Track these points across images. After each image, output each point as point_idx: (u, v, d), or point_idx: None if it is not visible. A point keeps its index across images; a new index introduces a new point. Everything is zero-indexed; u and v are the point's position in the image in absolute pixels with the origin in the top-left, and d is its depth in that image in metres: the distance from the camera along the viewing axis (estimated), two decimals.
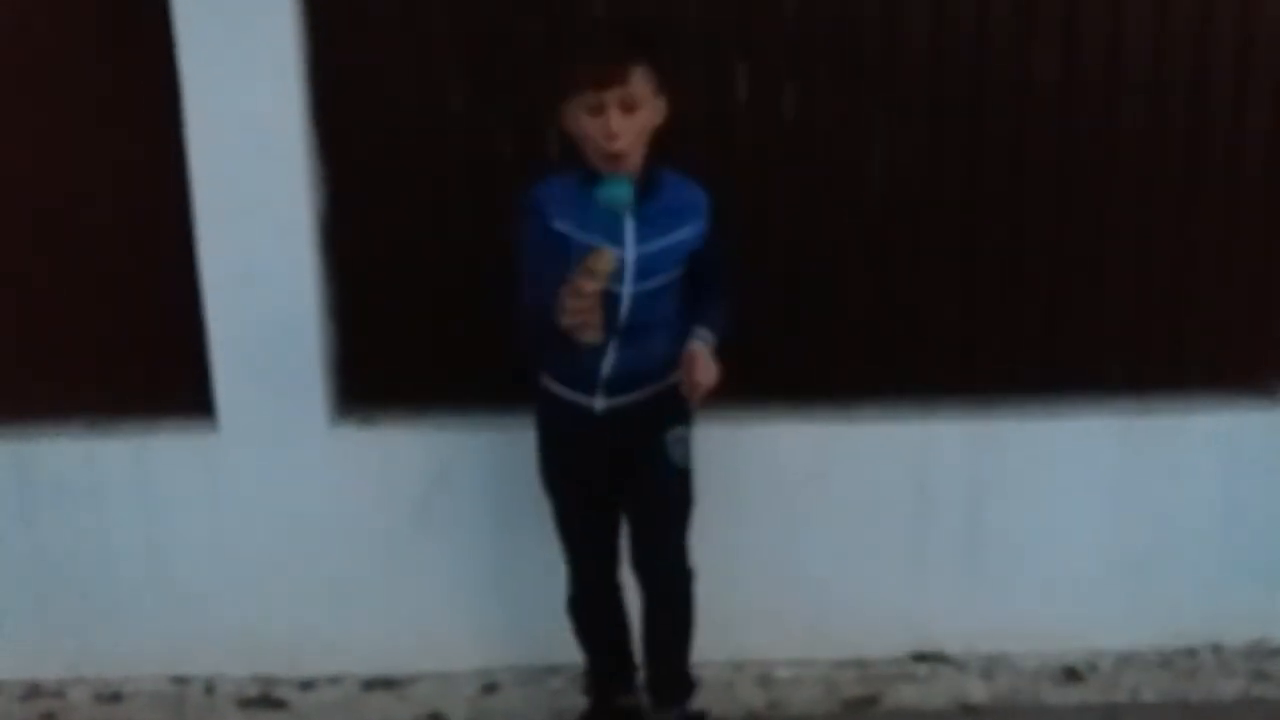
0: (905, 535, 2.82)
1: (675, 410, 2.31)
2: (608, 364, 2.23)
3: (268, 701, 2.81)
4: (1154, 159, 2.73)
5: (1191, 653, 2.91)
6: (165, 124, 2.57)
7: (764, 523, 2.72)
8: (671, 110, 2.18)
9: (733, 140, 2.69)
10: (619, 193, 2.07)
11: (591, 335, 2.01)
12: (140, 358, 2.78)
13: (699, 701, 2.52)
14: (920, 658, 2.89)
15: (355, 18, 2.61)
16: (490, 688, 2.83)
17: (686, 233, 2.23)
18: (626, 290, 2.18)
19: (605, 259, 1.96)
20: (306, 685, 2.84)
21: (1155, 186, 2.75)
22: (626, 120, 2.09)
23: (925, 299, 2.79)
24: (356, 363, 2.78)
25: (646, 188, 2.17)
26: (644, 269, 2.19)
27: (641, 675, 2.50)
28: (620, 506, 2.38)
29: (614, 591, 2.47)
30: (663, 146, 2.20)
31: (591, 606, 2.48)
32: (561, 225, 2.14)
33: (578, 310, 1.96)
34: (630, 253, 2.17)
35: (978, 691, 2.83)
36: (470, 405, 2.79)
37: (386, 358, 2.79)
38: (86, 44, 2.63)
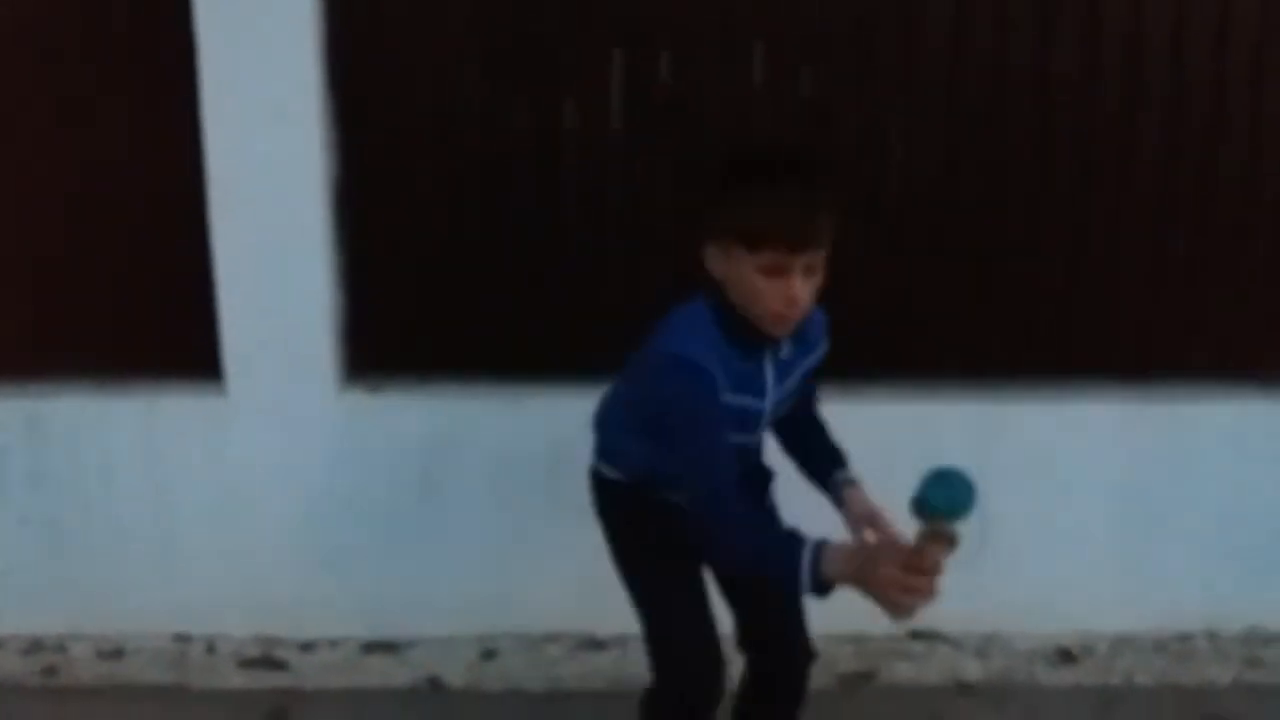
0: (908, 515, 2.82)
1: (763, 472, 2.08)
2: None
3: (268, 662, 2.84)
4: (1168, 148, 2.74)
5: (1186, 638, 2.93)
6: (181, 92, 2.59)
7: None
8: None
9: (748, 122, 2.69)
10: (958, 493, 1.59)
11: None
12: (151, 321, 2.80)
13: None
14: (917, 636, 2.91)
15: None
16: (489, 654, 2.85)
17: (812, 363, 1.98)
18: (759, 439, 1.96)
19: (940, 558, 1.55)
20: (307, 647, 2.86)
21: (1167, 175, 2.76)
22: (806, 285, 1.73)
23: (935, 283, 2.80)
24: (365, 330, 2.80)
25: (793, 338, 1.87)
26: (778, 410, 1.95)
27: None
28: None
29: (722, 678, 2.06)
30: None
31: (706, 697, 2.01)
32: (729, 399, 1.78)
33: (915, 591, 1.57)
34: (768, 402, 1.88)
35: (973, 670, 2.85)
36: (477, 374, 2.81)
37: (395, 325, 2.80)
38: (104, 16, 2.64)
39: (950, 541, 1.55)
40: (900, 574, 1.57)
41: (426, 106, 2.69)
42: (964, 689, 2.80)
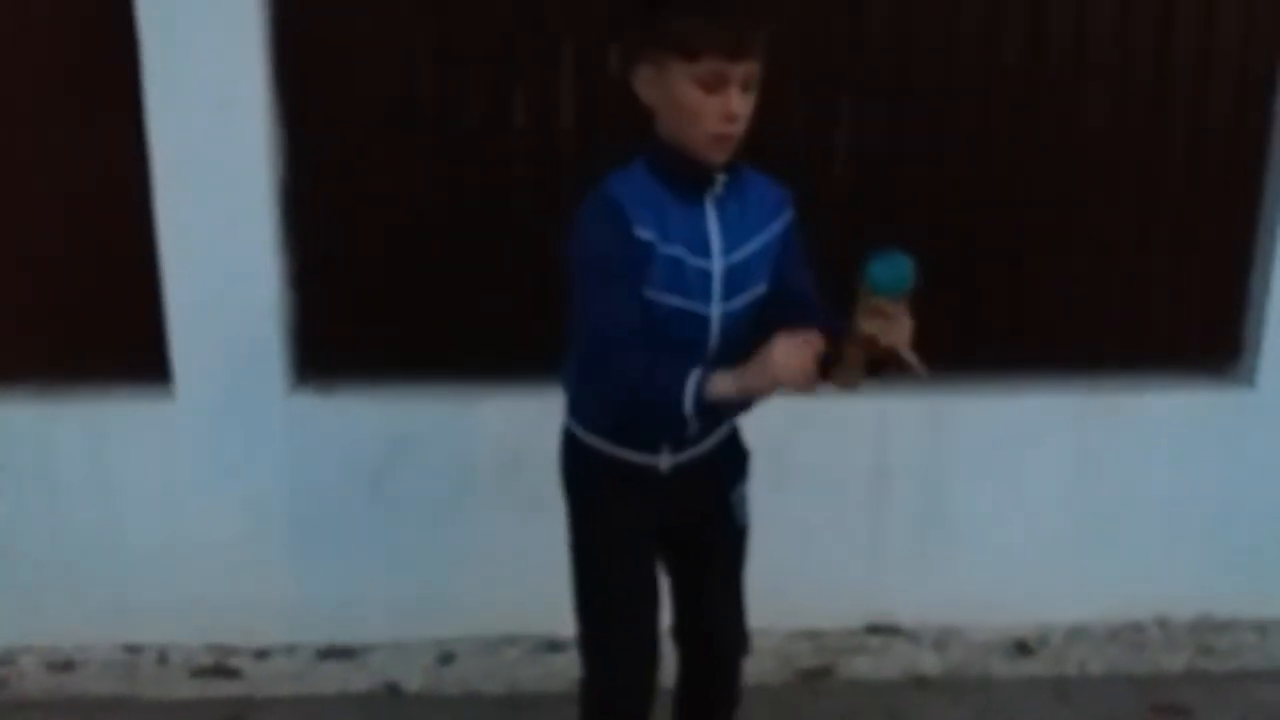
0: (862, 510, 2.85)
1: (738, 462, 2.04)
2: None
3: (221, 670, 2.80)
4: (1115, 141, 2.77)
5: (1139, 627, 2.97)
6: (125, 91, 2.54)
7: None
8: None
9: None
10: (897, 271, 1.62)
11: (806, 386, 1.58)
12: (96, 324, 2.75)
13: None
14: (874, 630, 2.93)
15: None
16: (446, 658, 2.83)
17: (774, 232, 1.83)
18: (715, 311, 1.78)
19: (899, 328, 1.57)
20: (261, 655, 2.82)
21: (1115, 169, 2.79)
22: (745, 101, 1.67)
23: None
24: (315, 331, 2.76)
25: (732, 179, 1.77)
26: (732, 282, 1.78)
27: None
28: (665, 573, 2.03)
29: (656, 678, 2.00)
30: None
31: (639, 698, 1.97)
32: (645, 234, 1.68)
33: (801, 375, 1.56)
34: (717, 263, 1.76)
35: (930, 663, 2.87)
36: (428, 374, 2.78)
37: (345, 326, 2.77)
38: (46, 12, 2.58)
39: (886, 315, 1.58)
40: (795, 345, 1.57)
41: (376, 102, 2.65)
42: (921, 683, 2.82)
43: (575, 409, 1.94)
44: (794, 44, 2.66)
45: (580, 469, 1.94)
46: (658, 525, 1.95)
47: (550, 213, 2.57)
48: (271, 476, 2.74)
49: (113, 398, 2.74)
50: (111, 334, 2.75)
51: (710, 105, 1.66)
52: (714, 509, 2.00)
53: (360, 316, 2.76)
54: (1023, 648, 2.91)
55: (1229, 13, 2.71)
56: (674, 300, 1.74)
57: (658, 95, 1.71)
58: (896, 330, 1.61)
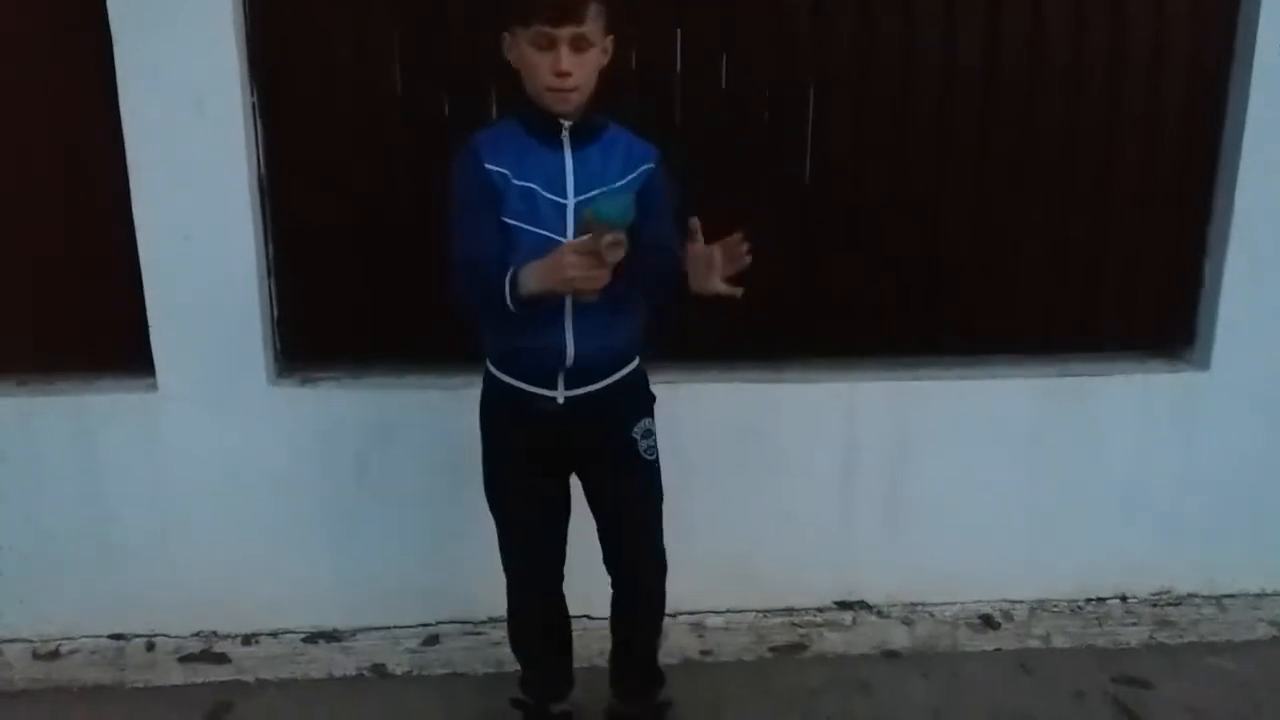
0: (831, 490, 2.92)
1: (639, 402, 2.25)
2: (569, 341, 2.08)
3: (209, 656, 2.84)
4: (1070, 124, 2.83)
5: (1100, 601, 3.06)
6: (101, 86, 2.55)
7: (697, 477, 2.78)
8: (617, 52, 2.12)
9: (670, 110, 2.74)
10: (617, 205, 1.92)
11: (589, 294, 1.92)
12: (76, 315, 2.76)
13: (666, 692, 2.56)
14: (844, 605, 3.00)
15: None
16: (431, 640, 2.88)
17: (631, 178, 2.10)
18: (569, 240, 2.01)
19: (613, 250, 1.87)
20: (248, 640, 2.86)
21: (1071, 152, 2.85)
22: (577, 58, 2.00)
23: (850, 265, 2.87)
24: (297, 321, 2.79)
25: (587, 131, 2.09)
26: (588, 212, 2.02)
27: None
28: (568, 510, 2.31)
29: (562, 601, 2.42)
30: (608, 89, 2.14)
31: (544, 621, 2.41)
32: (495, 165, 2.03)
33: (579, 265, 1.89)
34: (570, 200, 2.06)
35: (899, 638, 2.95)
36: (410, 364, 2.83)
37: (327, 317, 2.80)
38: (20, 9, 2.59)
39: (606, 233, 1.88)
40: (573, 255, 1.89)
41: (350, 96, 2.68)
42: (891, 656, 2.90)
43: (483, 346, 2.23)
44: (761, 50, 2.73)
45: (488, 399, 2.24)
46: (559, 455, 2.22)
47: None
48: (256, 465, 2.77)
49: (96, 389, 2.76)
50: (94, 326, 2.76)
51: (543, 62, 2.00)
52: (617, 444, 2.22)
53: (341, 306, 2.80)
54: (988, 621, 3.01)
55: (1180, 3, 2.78)
56: (531, 228, 2.05)
57: (515, 58, 2.06)
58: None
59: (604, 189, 2.06)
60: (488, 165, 2.03)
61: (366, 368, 2.83)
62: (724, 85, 2.75)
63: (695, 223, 1.98)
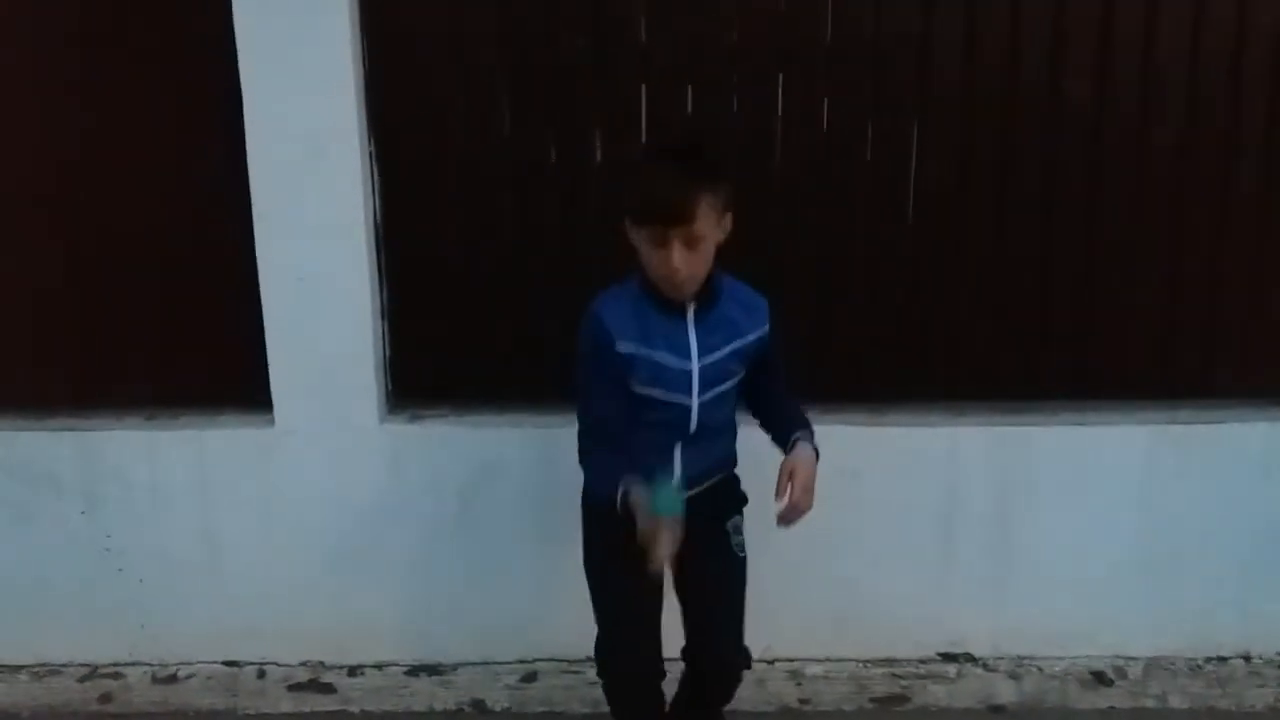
0: (934, 536, 2.87)
1: (733, 499, 2.32)
2: (676, 467, 2.19)
3: (316, 686, 2.92)
4: (1187, 167, 2.77)
5: (1221, 661, 2.93)
6: (228, 132, 2.68)
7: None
8: (736, 224, 2.12)
9: (771, 152, 2.76)
10: (670, 503, 1.98)
11: (656, 565, 1.98)
12: (201, 354, 2.89)
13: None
14: (948, 658, 2.94)
15: (409, 33, 2.72)
16: (529, 677, 2.91)
17: (749, 340, 2.18)
18: (694, 402, 2.15)
19: (664, 541, 1.93)
20: (354, 671, 2.94)
21: (1188, 195, 2.79)
22: (691, 254, 2.02)
23: (956, 305, 2.85)
24: (406, 361, 2.88)
25: (707, 299, 2.13)
26: (708, 379, 2.15)
27: None
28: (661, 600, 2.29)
29: (657, 687, 2.37)
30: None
31: (638, 700, 2.38)
32: (625, 348, 2.09)
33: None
34: (695, 364, 2.13)
35: (1005, 692, 2.87)
36: (514, 403, 2.89)
37: (435, 357, 2.89)
38: (153, 57, 2.74)
39: (663, 524, 1.94)
40: (666, 528, 1.95)
41: (461, 144, 2.78)
42: (996, 711, 2.82)
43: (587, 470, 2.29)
44: (863, 92, 2.74)
45: (591, 495, 2.29)
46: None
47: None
48: (364, 500, 2.85)
49: (218, 424, 2.88)
50: (215, 364, 2.89)
51: (659, 257, 2.03)
52: (711, 538, 2.26)
53: (450, 348, 2.88)
54: (1100, 678, 2.90)
55: None
56: (658, 393, 2.14)
57: (633, 242, 2.09)
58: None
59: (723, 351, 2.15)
60: (619, 349, 2.08)
61: (472, 407, 2.90)
62: (825, 127, 2.76)
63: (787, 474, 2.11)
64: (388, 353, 2.87)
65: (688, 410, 2.16)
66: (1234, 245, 2.81)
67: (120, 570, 2.93)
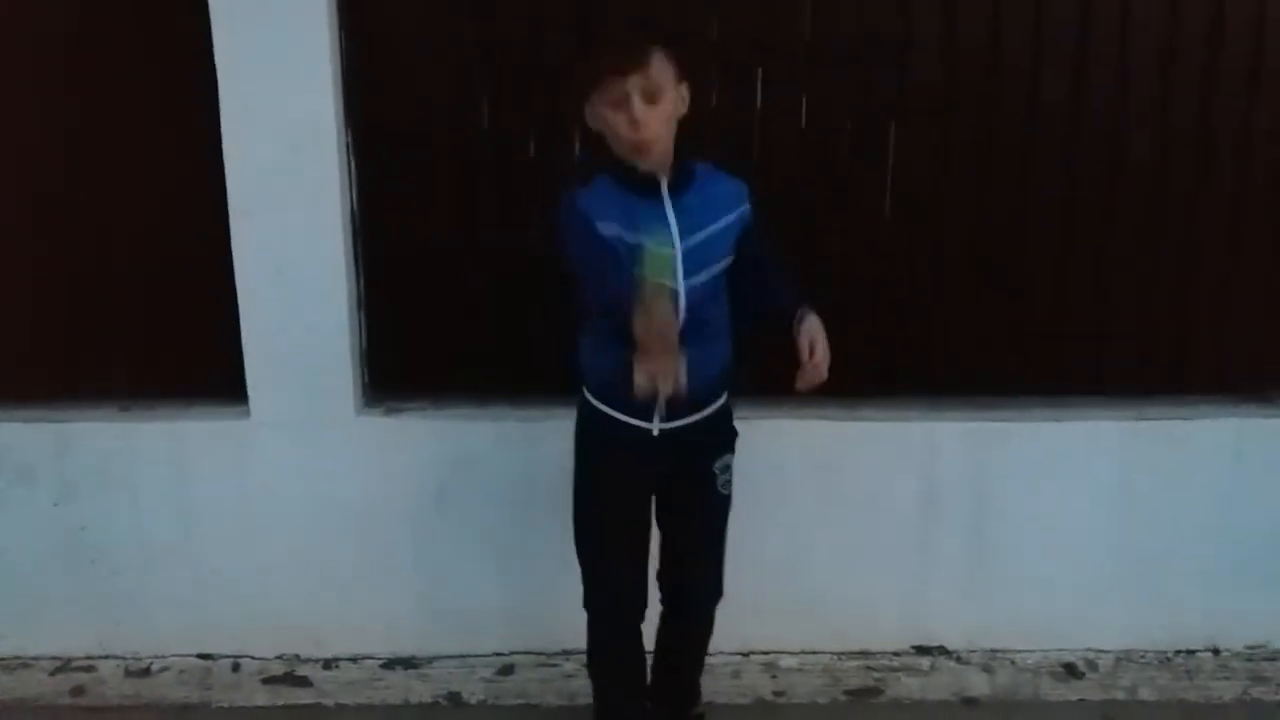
0: (909, 530, 2.89)
1: (724, 437, 2.33)
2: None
3: (291, 679, 2.91)
4: (1159, 163, 2.79)
5: (1190, 654, 2.97)
6: (203, 123, 2.66)
7: (772, 515, 2.79)
8: (695, 100, 2.15)
9: (750, 145, 2.77)
10: (661, 257, 1.95)
11: (666, 387, 1.94)
12: (175, 345, 2.88)
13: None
14: (922, 651, 2.96)
15: (388, 25, 2.71)
16: (506, 669, 2.91)
17: (730, 219, 2.18)
18: (680, 286, 2.11)
19: (662, 294, 1.90)
20: (329, 664, 2.93)
21: (1160, 192, 2.80)
22: (651, 109, 2.04)
23: (932, 300, 2.86)
24: (383, 354, 2.88)
25: (681, 179, 2.14)
26: (693, 262, 2.13)
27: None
28: (651, 529, 2.36)
29: (641, 637, 2.41)
30: (691, 137, 2.18)
31: (625, 656, 2.41)
32: (607, 229, 2.07)
33: (651, 349, 1.91)
34: (677, 246, 2.11)
35: (978, 685, 2.89)
36: (491, 396, 2.88)
37: (412, 349, 2.88)
38: (129, 49, 2.72)
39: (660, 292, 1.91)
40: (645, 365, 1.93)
41: (440, 138, 2.77)
42: (969, 704, 2.84)
43: (584, 376, 2.30)
44: (843, 87, 2.75)
45: (585, 427, 2.30)
46: (648, 483, 2.29)
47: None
48: (340, 493, 2.85)
49: (192, 415, 2.87)
50: (190, 355, 2.87)
51: (620, 119, 2.05)
52: (700, 475, 2.28)
53: (426, 340, 2.87)
54: (1071, 671, 2.93)
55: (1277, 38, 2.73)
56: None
57: (596, 124, 2.13)
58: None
59: (704, 231, 2.15)
60: (600, 230, 2.07)
61: (449, 399, 2.90)
62: (803, 123, 2.77)
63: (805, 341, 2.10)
64: (364, 345, 2.87)
65: (675, 295, 2.08)
66: (1207, 244, 2.84)
67: (93, 562, 2.92)
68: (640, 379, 1.94)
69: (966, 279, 2.85)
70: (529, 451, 2.78)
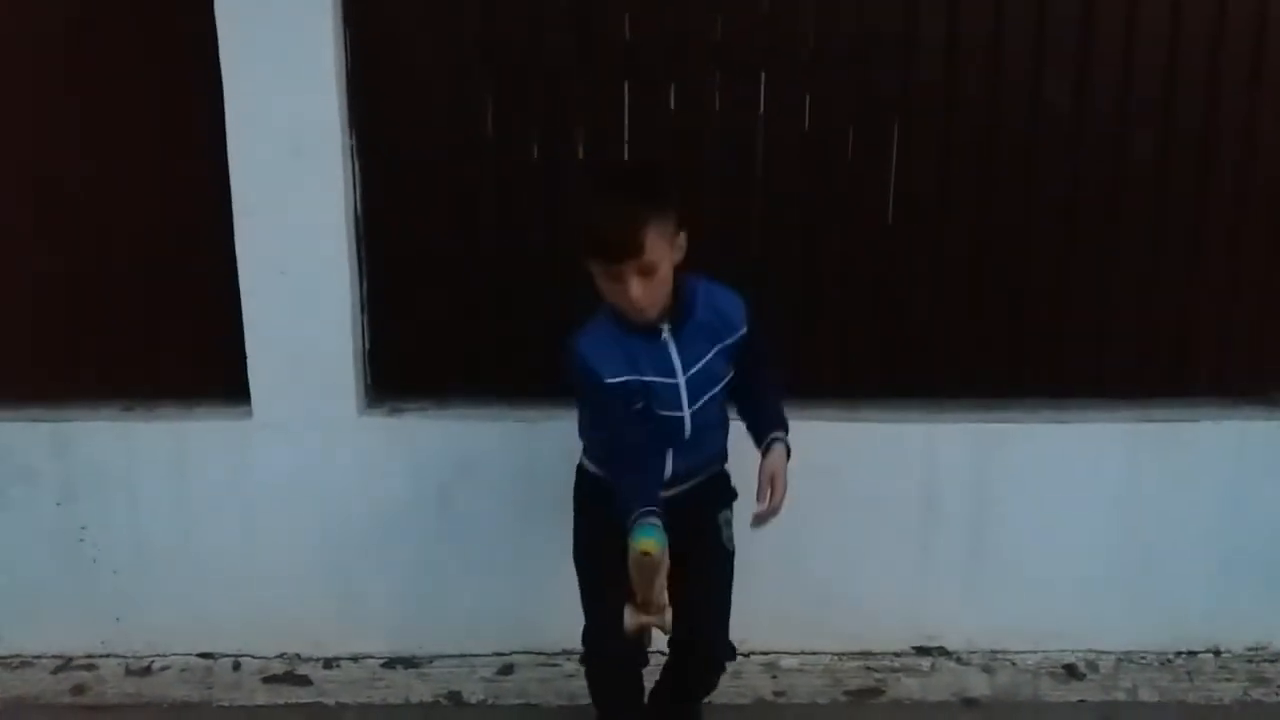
0: (910, 531, 2.89)
1: (723, 494, 2.36)
2: (669, 465, 2.23)
3: (292, 678, 2.91)
4: (1162, 166, 2.79)
5: (1191, 655, 2.96)
6: (207, 124, 2.67)
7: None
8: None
9: (753, 148, 2.78)
10: (653, 540, 2.00)
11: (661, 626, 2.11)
12: (178, 345, 2.88)
13: None
14: (922, 651, 2.96)
15: (391, 29, 2.72)
16: (506, 669, 2.92)
17: (729, 342, 2.22)
18: (686, 413, 2.19)
19: (649, 564, 1.99)
20: (330, 663, 2.94)
21: (1163, 195, 2.81)
22: (647, 282, 2.04)
23: (935, 304, 2.86)
24: (386, 354, 2.88)
25: (681, 315, 2.16)
26: (697, 388, 2.19)
27: None
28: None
29: (640, 675, 2.38)
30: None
31: (626, 686, 2.38)
32: (614, 378, 2.12)
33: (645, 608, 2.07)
34: (681, 379, 2.17)
35: (979, 686, 2.89)
36: (493, 397, 2.89)
37: (415, 350, 2.88)
38: (135, 50, 2.73)
39: (647, 559, 1.99)
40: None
41: (444, 140, 2.78)
42: (970, 704, 2.84)
43: (586, 450, 2.37)
44: (846, 92, 2.75)
45: (582, 487, 2.37)
46: None
47: None
48: (342, 493, 2.85)
49: (195, 415, 2.87)
50: (193, 355, 2.88)
51: (618, 292, 2.07)
52: (702, 532, 2.30)
53: (430, 342, 2.87)
54: (1072, 672, 2.93)
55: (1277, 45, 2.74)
56: (652, 409, 2.17)
57: (594, 278, 2.11)
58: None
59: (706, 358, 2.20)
60: (609, 381, 2.11)
61: (451, 400, 2.90)
62: (806, 125, 2.77)
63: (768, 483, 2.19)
64: (367, 346, 2.87)
65: (681, 420, 2.20)
66: (1209, 246, 2.84)
67: (95, 561, 2.92)
68: (630, 622, 2.10)
69: (968, 281, 2.86)
70: (530, 452, 2.78)
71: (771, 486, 2.18)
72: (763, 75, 2.74)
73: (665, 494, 2.20)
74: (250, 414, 2.82)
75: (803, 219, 2.81)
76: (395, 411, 2.87)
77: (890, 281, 2.86)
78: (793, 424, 2.78)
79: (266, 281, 2.74)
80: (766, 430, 2.26)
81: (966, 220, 2.83)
